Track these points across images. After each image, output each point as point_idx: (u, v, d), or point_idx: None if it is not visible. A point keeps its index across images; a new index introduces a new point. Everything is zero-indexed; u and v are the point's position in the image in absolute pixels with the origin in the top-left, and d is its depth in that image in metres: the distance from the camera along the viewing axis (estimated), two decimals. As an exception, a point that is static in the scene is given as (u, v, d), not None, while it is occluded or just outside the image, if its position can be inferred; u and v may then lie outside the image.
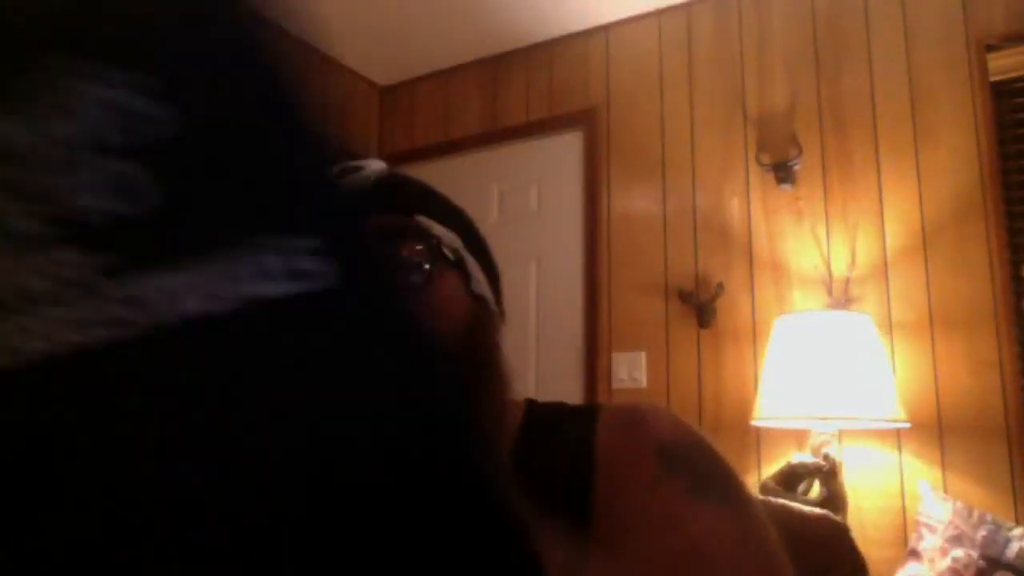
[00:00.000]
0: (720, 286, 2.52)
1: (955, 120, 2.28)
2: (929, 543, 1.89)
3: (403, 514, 0.23)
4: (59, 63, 0.20)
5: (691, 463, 0.54)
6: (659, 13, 2.84)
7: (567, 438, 0.60)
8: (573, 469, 0.57)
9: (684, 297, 2.57)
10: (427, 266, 0.56)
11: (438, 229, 0.59)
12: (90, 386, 0.21)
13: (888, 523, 2.17)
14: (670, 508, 0.50)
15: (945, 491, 2.09)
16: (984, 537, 1.81)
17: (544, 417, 0.65)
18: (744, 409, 2.36)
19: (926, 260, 2.26)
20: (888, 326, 2.25)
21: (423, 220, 0.59)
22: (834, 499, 1.94)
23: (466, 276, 0.60)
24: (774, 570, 0.51)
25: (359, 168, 0.61)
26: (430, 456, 0.24)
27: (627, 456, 0.56)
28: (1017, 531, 1.80)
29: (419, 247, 0.57)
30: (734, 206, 2.59)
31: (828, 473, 1.97)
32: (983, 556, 1.78)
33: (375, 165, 0.60)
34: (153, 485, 0.22)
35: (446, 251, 0.58)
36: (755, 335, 2.46)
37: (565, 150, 2.97)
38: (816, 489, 1.98)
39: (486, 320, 0.62)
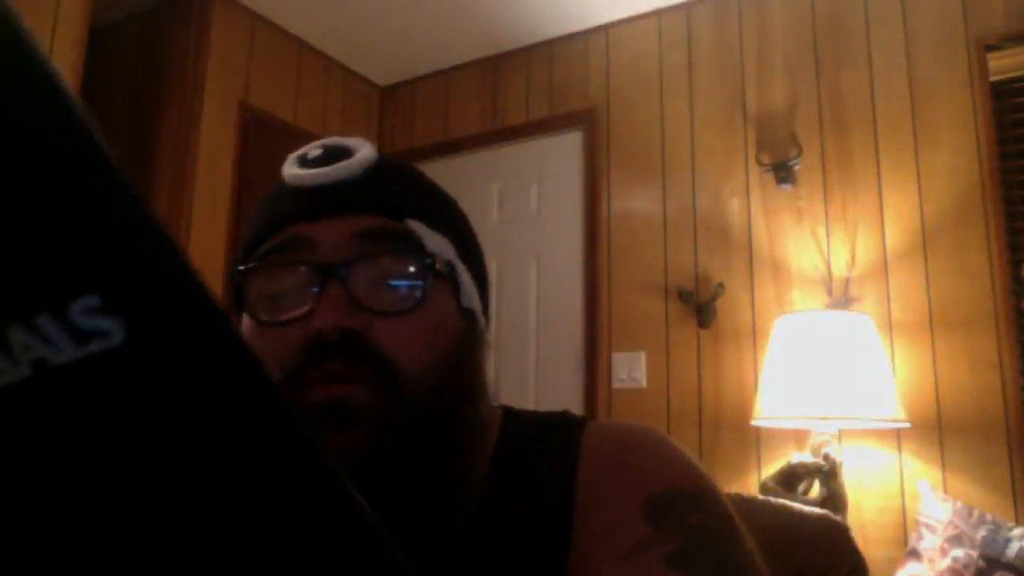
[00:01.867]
0: (720, 286, 2.52)
1: (955, 120, 2.28)
2: (929, 543, 1.89)
3: None
4: None
5: (682, 519, 0.47)
6: (659, 13, 2.84)
7: (545, 469, 0.55)
8: (550, 508, 0.52)
9: (684, 297, 2.57)
10: (418, 289, 0.50)
11: (431, 238, 0.52)
12: None
13: (888, 523, 2.17)
14: None
15: (945, 491, 2.09)
16: (984, 537, 1.81)
17: (522, 436, 0.59)
18: (744, 409, 2.36)
19: (926, 260, 2.26)
20: (888, 326, 2.25)
21: (415, 226, 0.52)
22: (834, 499, 1.94)
23: (456, 289, 0.54)
24: None
25: (348, 152, 0.54)
26: None
27: (609, 509, 0.50)
28: (1017, 531, 1.80)
29: (410, 265, 0.50)
30: (734, 206, 2.59)
31: (828, 473, 1.97)
32: (983, 556, 1.78)
33: (365, 150, 0.54)
34: None
35: (439, 265, 0.52)
36: (755, 335, 2.46)
37: (565, 150, 2.97)
38: (816, 489, 1.98)
39: (475, 335, 0.56)
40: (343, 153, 0.54)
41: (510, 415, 0.62)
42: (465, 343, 0.53)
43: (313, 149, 0.55)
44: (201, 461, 0.21)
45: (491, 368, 0.62)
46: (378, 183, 0.53)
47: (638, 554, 0.46)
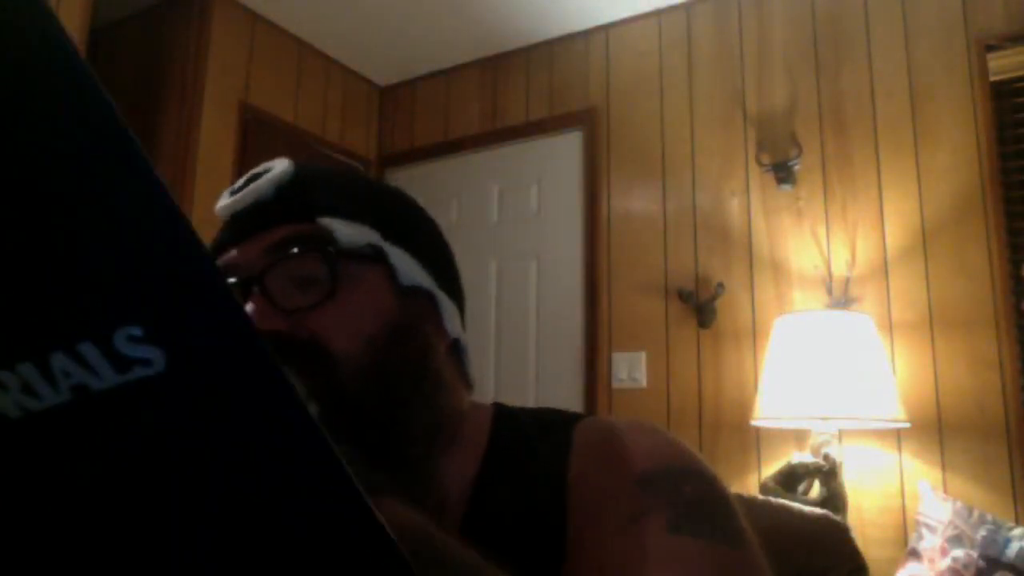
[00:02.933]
0: (720, 286, 2.52)
1: (955, 120, 2.28)
2: (929, 543, 1.89)
3: None
4: None
5: (676, 491, 0.49)
6: (659, 13, 2.84)
7: (538, 466, 0.55)
8: (544, 505, 0.53)
9: (684, 297, 2.57)
10: (327, 279, 0.51)
11: (344, 229, 0.53)
12: None
13: (888, 523, 2.17)
14: (647, 547, 0.46)
15: (945, 491, 2.09)
16: (984, 537, 1.81)
17: (514, 434, 0.59)
18: (744, 409, 2.36)
19: (926, 260, 2.26)
20: (888, 326, 2.25)
21: (327, 222, 0.53)
22: (834, 499, 1.94)
23: (389, 270, 0.55)
24: None
25: (264, 172, 0.56)
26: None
27: (603, 488, 0.51)
28: (1017, 531, 1.80)
29: (322, 259, 0.51)
30: (734, 206, 2.59)
31: (828, 473, 1.97)
32: (983, 556, 1.78)
33: (279, 166, 0.56)
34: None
35: (355, 250, 0.53)
36: (755, 335, 2.46)
37: (565, 150, 2.97)
38: (816, 489, 1.98)
39: (421, 312, 0.56)
40: (260, 177, 0.57)
41: (502, 414, 0.61)
42: (403, 322, 0.54)
43: (241, 179, 0.58)
44: (235, 484, 0.22)
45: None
46: (287, 194, 0.55)
47: (637, 521, 0.47)
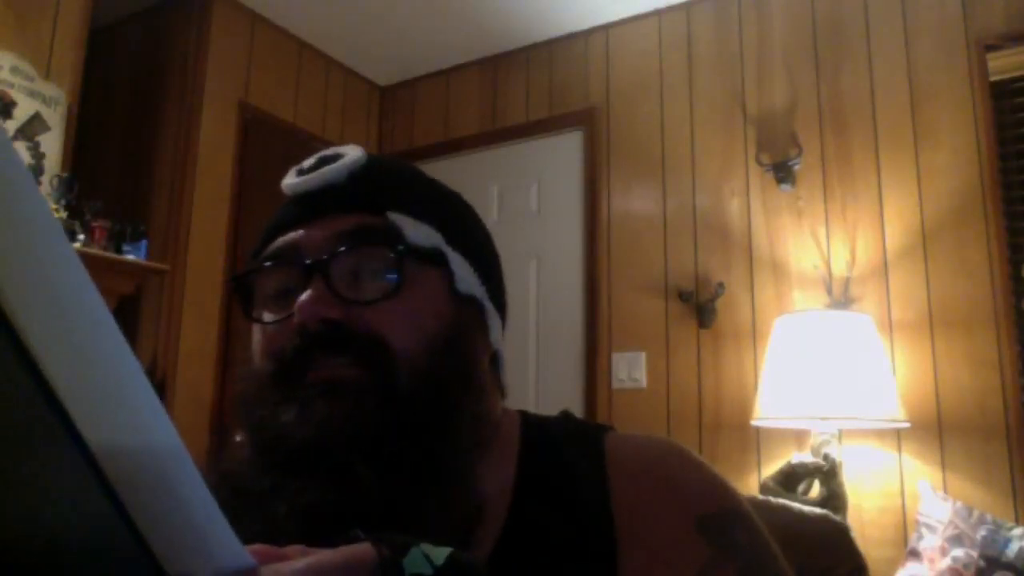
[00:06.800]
0: (720, 286, 2.52)
1: (955, 120, 2.28)
2: (929, 543, 1.89)
3: None
4: None
5: (734, 539, 0.51)
6: (659, 13, 2.84)
7: (576, 481, 0.55)
8: (589, 525, 0.53)
9: (684, 297, 2.57)
10: (394, 275, 0.51)
11: (413, 228, 0.53)
12: None
13: (888, 523, 2.17)
14: None
15: (945, 491, 2.09)
16: (984, 537, 1.81)
17: (545, 443, 0.59)
18: (744, 409, 2.36)
19: (926, 260, 2.26)
20: (888, 326, 2.25)
21: (396, 218, 0.53)
22: (834, 499, 1.94)
23: (449, 275, 0.54)
24: None
25: (336, 157, 0.56)
26: None
27: (660, 529, 0.52)
28: (1017, 531, 1.80)
29: (388, 254, 0.52)
30: (734, 206, 2.59)
31: (828, 473, 1.97)
32: (983, 556, 1.78)
33: (353, 153, 0.56)
34: None
35: (422, 251, 0.53)
36: (755, 335, 2.46)
37: (565, 150, 2.97)
38: (816, 489, 1.98)
39: (472, 321, 0.56)
40: (333, 160, 0.56)
41: (530, 422, 0.61)
42: (459, 327, 0.54)
43: (310, 159, 0.58)
44: None
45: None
46: (361, 183, 0.55)
47: (712, 572, 0.49)
